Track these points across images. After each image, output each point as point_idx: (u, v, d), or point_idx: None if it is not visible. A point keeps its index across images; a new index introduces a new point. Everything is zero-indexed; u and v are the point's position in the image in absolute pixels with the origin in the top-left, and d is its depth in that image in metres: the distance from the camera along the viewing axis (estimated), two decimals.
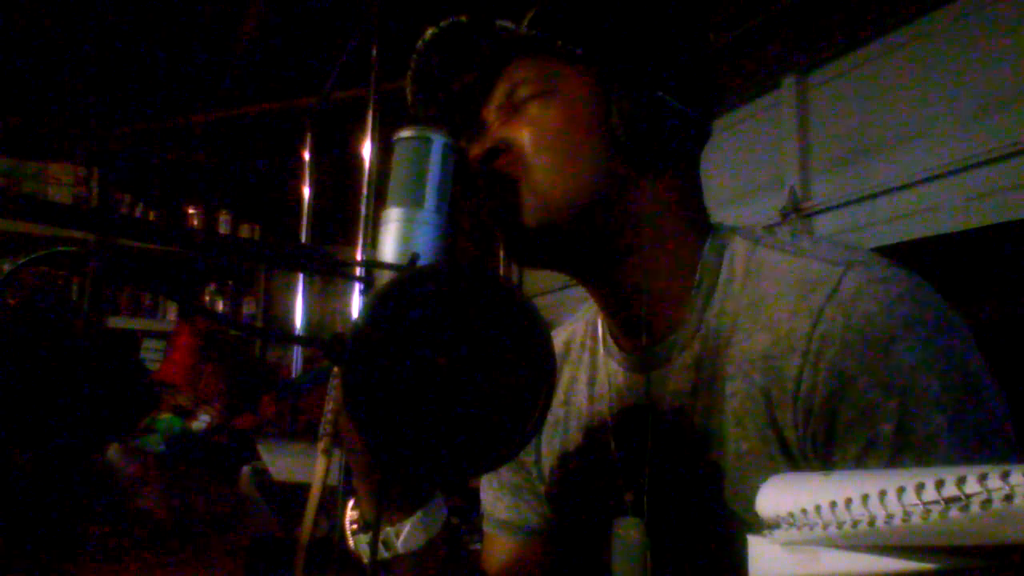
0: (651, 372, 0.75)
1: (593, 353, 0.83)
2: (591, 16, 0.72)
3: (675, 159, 0.72)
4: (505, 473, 0.88)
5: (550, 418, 0.85)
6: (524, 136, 0.71)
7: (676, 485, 0.73)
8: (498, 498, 0.89)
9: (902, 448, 0.60)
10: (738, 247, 0.73)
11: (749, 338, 0.68)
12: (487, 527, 0.90)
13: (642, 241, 0.72)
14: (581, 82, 0.72)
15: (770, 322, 0.67)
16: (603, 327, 0.82)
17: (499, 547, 0.89)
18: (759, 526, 0.44)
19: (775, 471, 0.63)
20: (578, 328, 0.87)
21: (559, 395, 0.85)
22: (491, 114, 0.75)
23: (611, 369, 0.80)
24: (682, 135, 0.71)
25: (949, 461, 0.59)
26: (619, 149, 0.70)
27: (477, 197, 0.74)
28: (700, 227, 0.76)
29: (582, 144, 0.71)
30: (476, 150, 0.73)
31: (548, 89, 0.72)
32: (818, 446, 0.63)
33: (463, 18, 0.72)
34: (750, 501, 0.65)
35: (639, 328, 0.75)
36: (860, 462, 0.61)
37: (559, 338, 0.88)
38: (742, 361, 0.68)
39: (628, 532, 0.73)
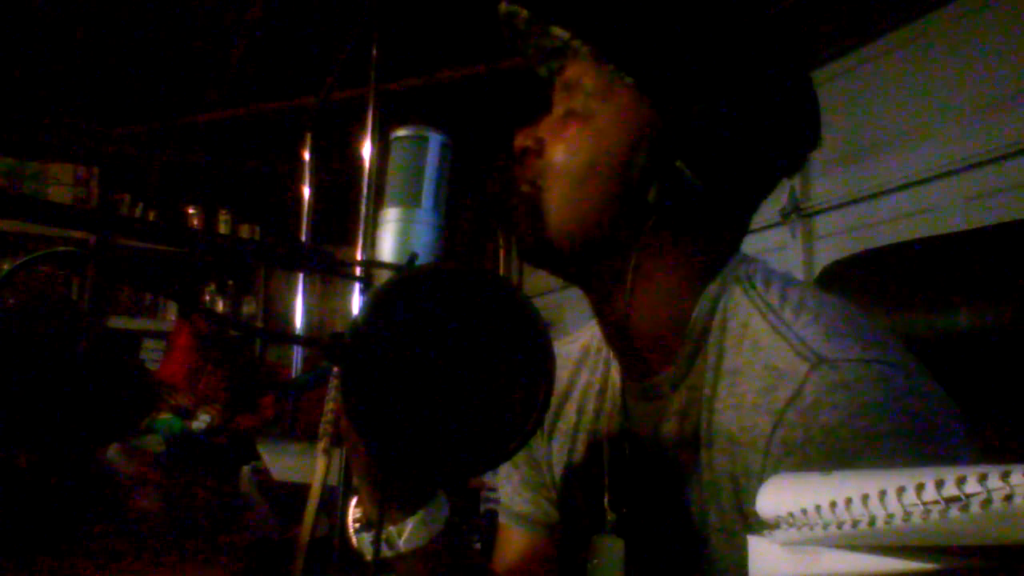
0: (646, 403, 0.75)
1: (607, 363, 0.83)
2: (654, 47, 0.70)
3: (685, 224, 0.71)
4: (525, 469, 0.89)
5: (562, 425, 0.85)
6: (556, 150, 0.72)
7: (656, 523, 0.73)
8: (518, 492, 0.89)
9: None
10: (731, 301, 0.70)
11: (722, 412, 0.67)
12: (504, 519, 0.91)
13: (634, 284, 0.72)
14: (629, 111, 0.70)
15: (740, 404, 0.65)
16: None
17: (515, 540, 0.89)
18: None
19: (743, 553, 0.62)
20: (597, 333, 0.86)
21: (575, 400, 0.85)
22: (556, 94, 0.76)
23: (616, 385, 0.80)
24: (695, 206, 0.68)
25: None
26: (630, 195, 0.70)
27: (505, 187, 0.75)
28: (706, 274, 0.73)
29: (600, 180, 0.71)
30: (520, 140, 0.74)
31: (592, 111, 0.71)
32: None
33: (524, 12, 0.73)
34: (725, 568, 0.64)
35: (632, 362, 0.76)
36: None
37: (578, 342, 0.88)
38: (716, 434, 0.67)
39: (605, 550, 0.73)
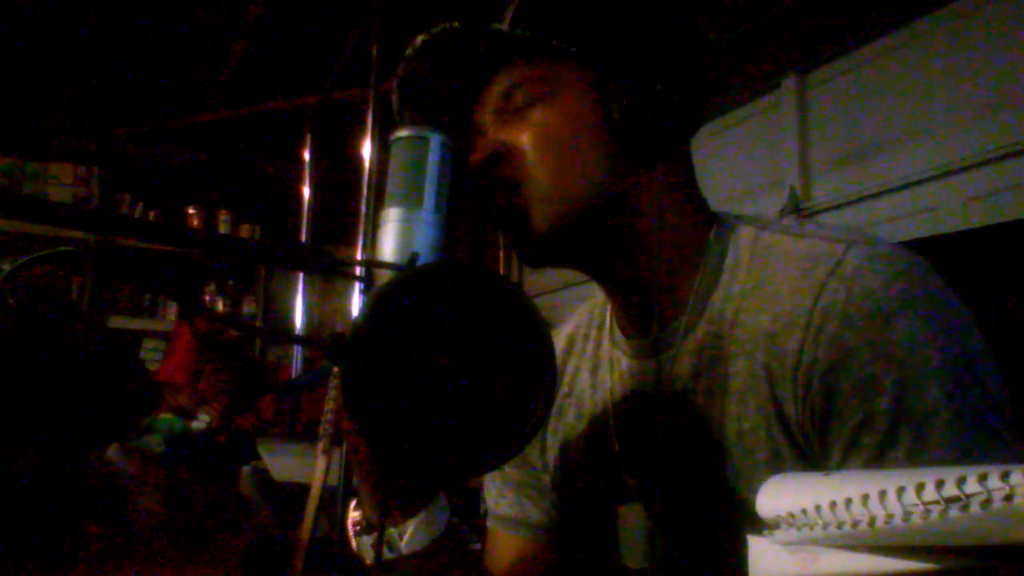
0: (654, 358, 0.75)
1: (597, 342, 0.84)
2: (583, 12, 0.72)
3: (674, 149, 0.73)
4: (509, 470, 0.89)
5: (554, 409, 0.85)
6: (526, 141, 0.72)
7: (679, 468, 0.73)
8: (501, 494, 0.89)
9: (898, 422, 0.60)
10: (744, 232, 0.74)
11: (753, 318, 0.69)
12: (490, 523, 0.90)
13: (649, 232, 0.73)
14: (578, 82, 0.72)
15: (773, 300, 0.68)
16: (610, 316, 0.83)
17: (502, 543, 0.89)
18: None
19: (775, 449, 0.65)
20: (581, 320, 0.88)
21: (563, 386, 0.86)
22: (487, 117, 0.75)
23: (615, 357, 0.80)
24: (680, 124, 0.71)
25: (946, 436, 0.59)
26: (622, 144, 0.71)
27: (481, 202, 0.74)
28: (704, 213, 0.77)
29: (585, 145, 0.71)
30: (476, 155, 0.73)
31: (547, 92, 0.72)
32: (816, 420, 0.64)
33: (455, 24, 0.72)
34: (753, 480, 0.65)
35: (647, 316, 0.76)
36: (856, 436, 0.61)
37: (563, 332, 0.89)
38: (746, 340, 0.69)
39: (631, 518, 0.73)
